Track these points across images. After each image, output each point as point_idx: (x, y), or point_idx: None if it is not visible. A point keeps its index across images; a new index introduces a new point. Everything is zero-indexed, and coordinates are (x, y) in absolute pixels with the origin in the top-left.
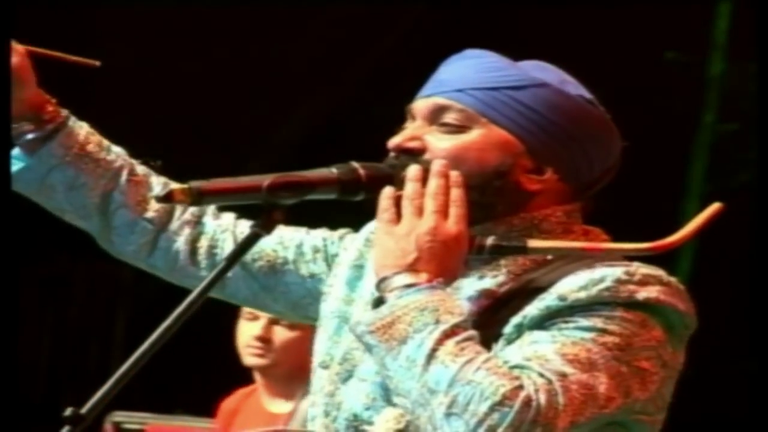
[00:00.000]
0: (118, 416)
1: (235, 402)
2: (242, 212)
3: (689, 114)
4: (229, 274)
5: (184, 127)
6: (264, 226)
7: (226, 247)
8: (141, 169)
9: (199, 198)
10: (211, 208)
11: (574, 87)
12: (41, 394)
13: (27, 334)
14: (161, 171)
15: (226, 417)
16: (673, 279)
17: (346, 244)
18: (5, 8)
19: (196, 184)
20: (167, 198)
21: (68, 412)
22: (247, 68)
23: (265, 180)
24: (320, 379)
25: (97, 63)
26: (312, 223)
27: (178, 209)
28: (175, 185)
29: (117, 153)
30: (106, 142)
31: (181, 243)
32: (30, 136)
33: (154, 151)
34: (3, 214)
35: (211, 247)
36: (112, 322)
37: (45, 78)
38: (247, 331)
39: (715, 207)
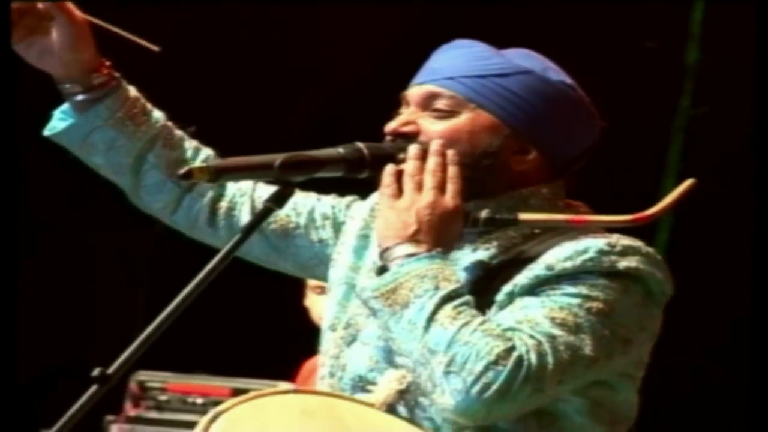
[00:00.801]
0: (142, 375)
1: (314, 363)
2: None
3: (667, 99)
4: None
5: (199, 110)
6: (276, 201)
7: (244, 210)
8: (177, 133)
9: (216, 175)
10: None
11: (555, 73)
12: (71, 356)
13: (57, 300)
14: (195, 136)
15: (306, 377)
16: (651, 249)
17: (353, 212)
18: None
19: (213, 162)
20: (187, 175)
21: (96, 372)
22: (260, 55)
23: (277, 159)
24: (327, 342)
25: (157, 48)
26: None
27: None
28: (205, 150)
29: (157, 118)
30: (149, 106)
31: (203, 204)
32: (80, 97)
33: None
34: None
35: (230, 209)
36: (135, 289)
37: None
38: (321, 303)
39: (688, 183)
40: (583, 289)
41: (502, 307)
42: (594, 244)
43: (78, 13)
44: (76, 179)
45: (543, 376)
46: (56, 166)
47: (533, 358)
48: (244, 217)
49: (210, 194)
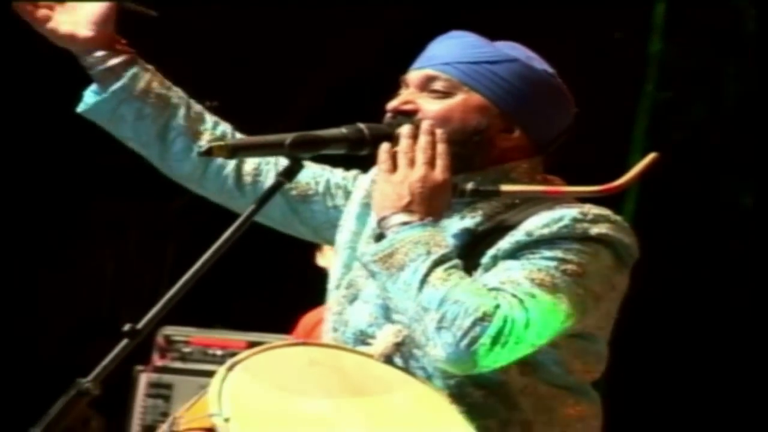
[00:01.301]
0: (168, 330)
1: (315, 316)
2: None
3: (633, 84)
4: None
5: (216, 88)
6: (286, 175)
7: (269, 177)
8: (197, 106)
9: (233, 152)
10: None
11: (538, 62)
12: (105, 313)
13: (92, 265)
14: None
15: (306, 330)
16: (619, 218)
17: (358, 183)
18: None
19: (231, 141)
20: (208, 152)
21: (127, 327)
22: (271, 38)
23: (287, 138)
24: (332, 300)
25: (154, 13)
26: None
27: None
28: (224, 124)
29: (176, 91)
30: (167, 82)
31: (229, 169)
32: (104, 66)
33: None
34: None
35: (256, 175)
36: (163, 253)
37: None
38: None
39: (651, 156)
40: (558, 253)
41: (487, 269)
42: (568, 212)
43: None
44: (114, 162)
45: (524, 331)
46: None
47: (516, 314)
48: (269, 182)
49: (235, 161)
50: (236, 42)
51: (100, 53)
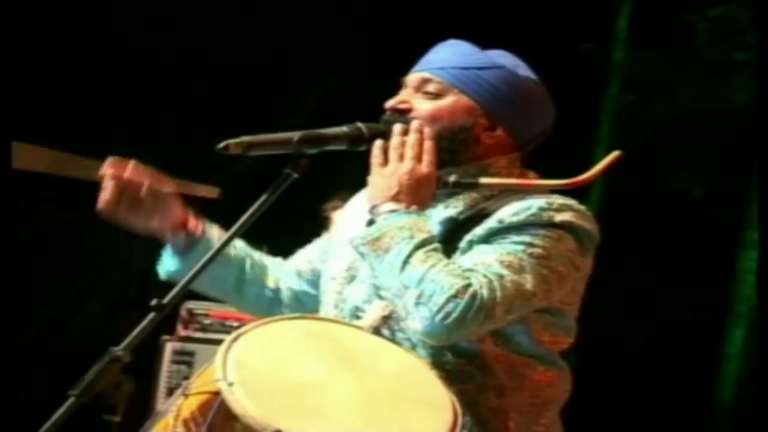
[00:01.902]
0: (190, 304)
1: None
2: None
3: (599, 88)
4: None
5: (227, 92)
6: (294, 168)
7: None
8: (257, 255)
9: (248, 148)
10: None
11: (523, 70)
12: (136, 291)
13: (126, 250)
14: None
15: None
16: (582, 207)
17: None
18: None
19: (246, 138)
20: (225, 149)
21: (154, 302)
22: (279, 42)
23: (295, 135)
24: (329, 287)
25: (215, 194)
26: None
27: (284, 281)
28: (278, 260)
29: (239, 247)
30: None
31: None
32: (179, 245)
33: (202, 113)
34: None
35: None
36: None
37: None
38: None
39: (614, 154)
40: (526, 238)
41: (463, 252)
42: (536, 202)
43: (163, 180)
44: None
45: (493, 306)
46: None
47: (485, 292)
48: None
49: (288, 293)
50: (249, 49)
51: (173, 233)
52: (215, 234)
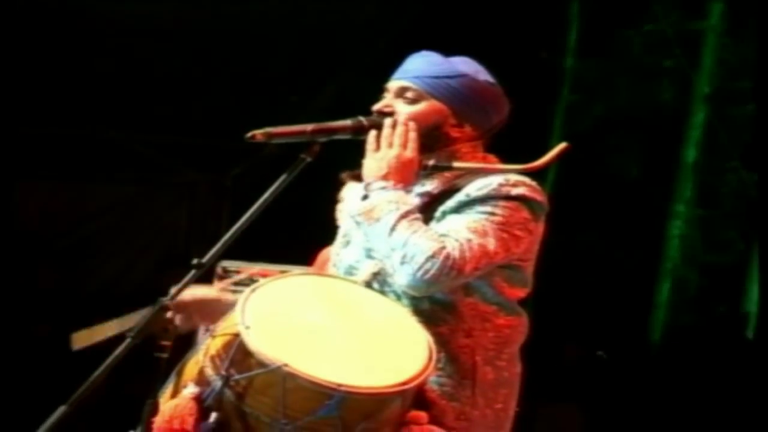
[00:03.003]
0: (224, 263)
1: (327, 253)
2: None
3: (553, 89)
4: None
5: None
6: (308, 154)
7: None
8: None
9: (270, 137)
10: None
11: (483, 74)
12: (181, 251)
13: (172, 217)
14: None
15: (320, 263)
16: (534, 182)
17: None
18: None
19: (268, 129)
20: (252, 137)
21: (195, 261)
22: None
23: (308, 127)
24: (334, 248)
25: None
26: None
27: None
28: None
29: None
30: None
31: None
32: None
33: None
34: None
35: None
36: (221, 209)
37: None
38: None
39: (562, 145)
40: (488, 208)
41: (438, 221)
42: (496, 179)
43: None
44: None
45: (463, 265)
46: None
47: (456, 253)
48: None
49: None
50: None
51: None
52: None
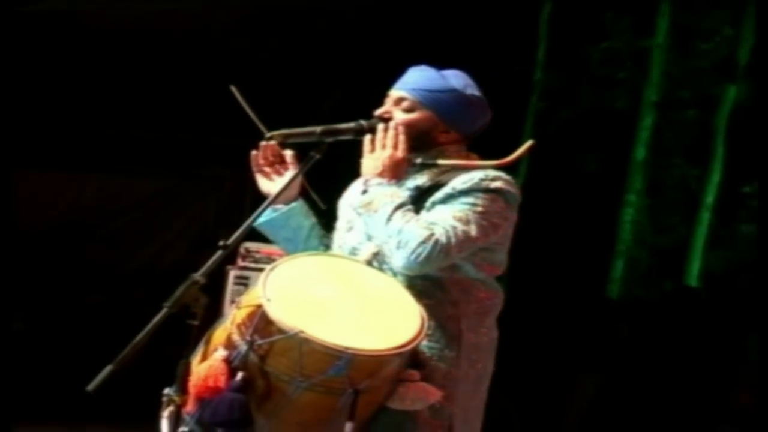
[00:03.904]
0: (246, 244)
1: None
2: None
3: (525, 96)
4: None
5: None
6: (317, 151)
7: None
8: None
9: (286, 137)
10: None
11: (471, 89)
12: (210, 235)
13: (202, 205)
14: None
15: None
16: (509, 177)
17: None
18: None
19: (284, 131)
20: (269, 139)
21: (221, 242)
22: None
23: (317, 128)
24: (336, 235)
25: (323, 206)
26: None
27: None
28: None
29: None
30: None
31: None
32: (282, 202)
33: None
34: None
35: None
36: (243, 199)
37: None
38: None
39: (528, 143)
40: (471, 199)
41: (428, 210)
42: (477, 174)
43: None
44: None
45: (449, 248)
46: None
47: (443, 239)
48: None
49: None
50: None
51: (287, 201)
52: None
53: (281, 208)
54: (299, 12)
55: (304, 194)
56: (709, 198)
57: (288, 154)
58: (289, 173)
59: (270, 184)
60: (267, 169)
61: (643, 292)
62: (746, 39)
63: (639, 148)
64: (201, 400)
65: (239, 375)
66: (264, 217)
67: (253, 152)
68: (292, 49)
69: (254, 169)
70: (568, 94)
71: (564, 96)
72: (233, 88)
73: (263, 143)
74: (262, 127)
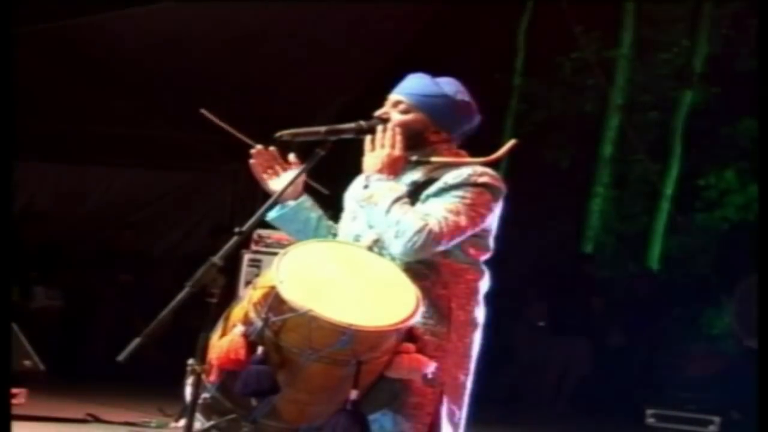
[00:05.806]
0: (259, 231)
1: None
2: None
3: (505, 101)
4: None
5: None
6: (322, 149)
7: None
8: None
9: (294, 136)
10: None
11: (461, 95)
12: (226, 222)
13: (219, 197)
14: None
15: None
16: (495, 172)
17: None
18: None
19: (292, 130)
20: (280, 136)
21: (237, 229)
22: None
23: (322, 128)
24: (341, 224)
25: (326, 191)
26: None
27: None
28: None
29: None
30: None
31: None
32: (289, 199)
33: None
34: None
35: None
36: (256, 191)
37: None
38: None
39: (511, 143)
40: (461, 193)
41: (423, 203)
42: (466, 170)
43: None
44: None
45: (441, 237)
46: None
47: (436, 229)
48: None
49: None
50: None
51: (291, 197)
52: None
53: (290, 204)
54: (313, 20)
55: (308, 189)
56: (668, 190)
57: (290, 156)
58: (293, 171)
59: (275, 181)
60: (269, 171)
61: (609, 273)
62: (701, 49)
63: (606, 146)
64: (223, 371)
65: (260, 349)
66: (275, 213)
67: (251, 161)
68: (309, 56)
69: (257, 175)
70: (542, 99)
71: (539, 100)
72: (204, 111)
73: (253, 150)
74: (246, 139)
